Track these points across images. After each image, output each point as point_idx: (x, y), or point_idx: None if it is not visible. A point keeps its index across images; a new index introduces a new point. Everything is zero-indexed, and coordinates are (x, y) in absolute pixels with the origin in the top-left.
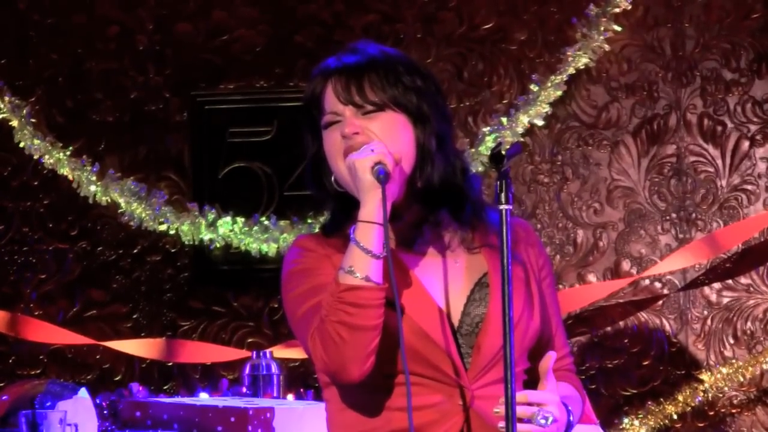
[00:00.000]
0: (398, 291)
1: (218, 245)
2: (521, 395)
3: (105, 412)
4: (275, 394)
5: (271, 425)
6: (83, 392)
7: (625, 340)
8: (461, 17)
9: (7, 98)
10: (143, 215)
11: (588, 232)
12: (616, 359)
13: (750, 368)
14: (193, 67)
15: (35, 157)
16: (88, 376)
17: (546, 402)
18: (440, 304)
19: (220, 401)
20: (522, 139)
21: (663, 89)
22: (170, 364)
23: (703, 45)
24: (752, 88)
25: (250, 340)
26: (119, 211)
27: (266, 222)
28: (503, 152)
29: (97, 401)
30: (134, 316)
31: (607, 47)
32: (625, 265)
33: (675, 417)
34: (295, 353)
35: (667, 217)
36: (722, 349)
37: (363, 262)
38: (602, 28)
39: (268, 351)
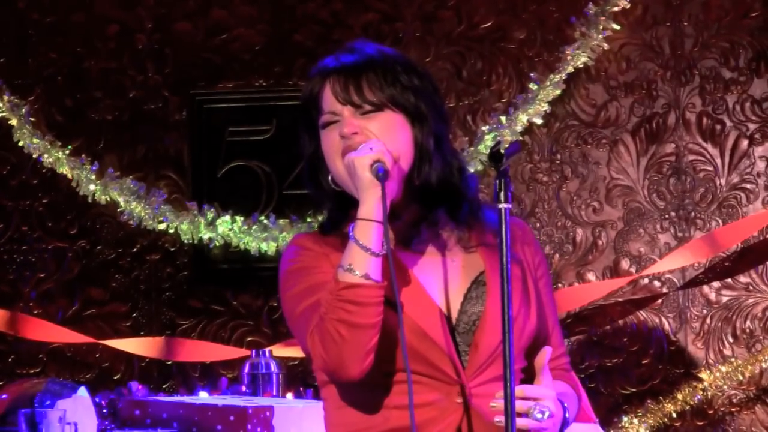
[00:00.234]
0: (397, 289)
1: (217, 244)
2: (518, 390)
3: (104, 410)
4: (274, 393)
5: (271, 424)
6: (82, 391)
7: (625, 339)
8: (460, 16)
9: (6, 97)
10: (142, 214)
11: (587, 230)
12: (615, 358)
13: (749, 367)
14: (193, 66)
15: (34, 156)
16: (88, 374)
17: (542, 397)
18: (438, 302)
19: (220, 400)
20: (521, 138)
21: (662, 88)
22: (169, 362)
23: (702, 44)
24: (751, 87)
25: (249, 338)
26: (118, 209)
27: (265, 221)
28: (502, 151)
29: (97, 400)
30: (133, 315)
31: (606, 46)
32: (625, 263)
33: (674, 415)
34: (295, 352)
35: (666, 216)
36: (721, 348)
37: (362, 259)
38: (601, 27)
39: (267, 350)
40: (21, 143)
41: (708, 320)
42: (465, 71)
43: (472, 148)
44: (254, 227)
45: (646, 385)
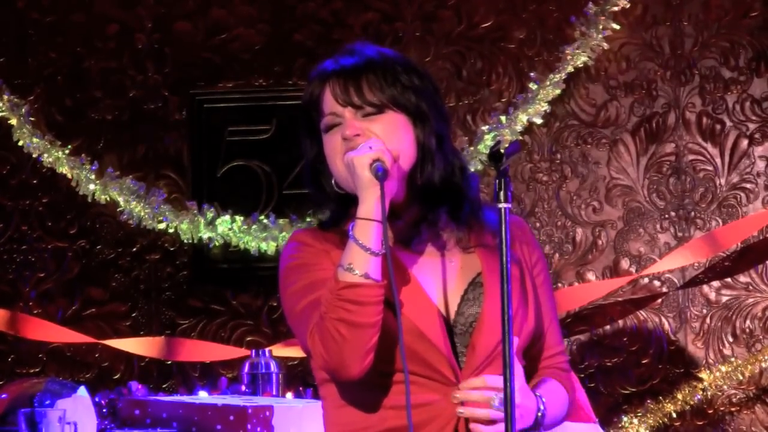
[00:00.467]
0: (396, 290)
1: (217, 244)
2: (479, 380)
3: (104, 410)
4: (274, 393)
5: (270, 423)
6: (82, 391)
7: (625, 339)
8: (460, 16)
9: (6, 97)
10: (142, 214)
11: (587, 230)
12: (615, 358)
13: (749, 366)
14: (192, 66)
15: (34, 155)
16: (87, 374)
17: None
18: (436, 303)
19: (219, 399)
20: (521, 138)
21: (662, 88)
22: (169, 362)
23: (701, 43)
24: (751, 87)
25: (249, 338)
26: (118, 209)
27: (265, 220)
28: (502, 151)
29: (96, 399)
30: (133, 315)
31: (605, 46)
32: (624, 263)
33: (674, 415)
34: (294, 352)
35: (666, 216)
36: (721, 348)
37: (362, 259)
38: (601, 27)
39: (267, 349)
40: (21, 143)
41: (708, 320)
42: (465, 71)
43: (472, 148)
44: (254, 227)
45: (646, 385)
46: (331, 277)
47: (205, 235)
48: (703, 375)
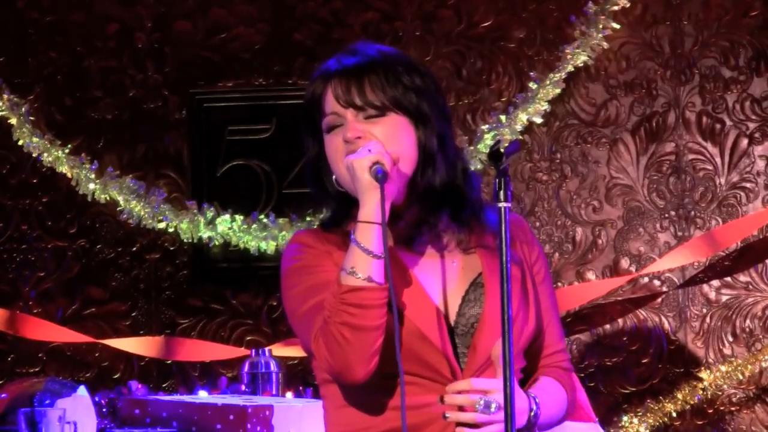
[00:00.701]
0: (397, 291)
1: (217, 243)
2: (465, 383)
3: (104, 410)
4: (274, 392)
5: (270, 423)
6: (82, 390)
7: (624, 338)
8: (460, 15)
9: (5, 96)
10: (142, 213)
11: (587, 229)
12: (615, 357)
13: (749, 366)
14: (192, 65)
15: (34, 155)
16: (87, 374)
17: (491, 389)
18: (438, 304)
19: (219, 399)
20: (521, 137)
21: (662, 87)
22: (169, 362)
23: (701, 43)
24: (751, 86)
25: (249, 338)
26: (118, 209)
27: (265, 220)
28: (502, 150)
29: (96, 399)
30: (133, 314)
31: (605, 45)
32: (624, 262)
33: (674, 415)
34: (294, 351)
35: (666, 215)
36: (721, 347)
37: (364, 262)
38: (601, 26)
39: (267, 349)
40: (21, 142)
41: (708, 319)
42: (465, 70)
43: (472, 147)
44: (254, 226)
45: (645, 385)
46: (334, 281)
47: (205, 234)
48: (703, 374)
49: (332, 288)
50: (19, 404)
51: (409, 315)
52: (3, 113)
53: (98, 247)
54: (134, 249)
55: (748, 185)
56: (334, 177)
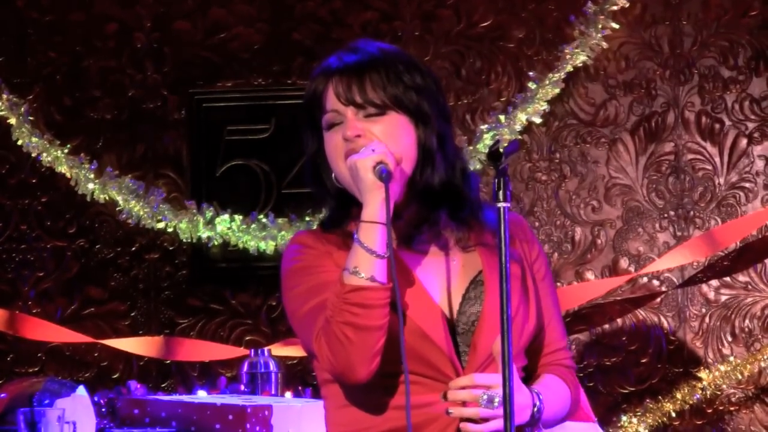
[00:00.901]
0: (399, 291)
1: (216, 243)
2: (467, 378)
3: (103, 409)
4: (273, 392)
5: (269, 423)
6: (81, 390)
7: (623, 338)
8: (459, 15)
9: (5, 96)
10: (141, 213)
11: (586, 229)
12: (614, 357)
13: (748, 366)
14: (191, 65)
15: (33, 154)
16: (87, 373)
17: (494, 384)
18: (438, 302)
19: (219, 399)
20: (520, 137)
21: (661, 87)
22: (168, 361)
23: (701, 43)
24: (750, 86)
25: (248, 337)
26: (117, 208)
27: (264, 220)
28: (501, 150)
29: (96, 399)
30: (132, 314)
31: (605, 45)
32: (623, 262)
33: (673, 415)
34: (294, 351)
35: (665, 215)
36: (720, 347)
37: (367, 262)
38: (600, 26)
39: (266, 349)
40: (20, 142)
41: (707, 319)
42: (464, 70)
43: (471, 147)
44: (253, 226)
45: (645, 384)
46: (337, 281)
47: (204, 234)
48: (702, 374)
49: (335, 288)
50: (19, 404)
51: (410, 314)
52: (2, 113)
53: (97, 247)
54: (133, 249)
55: (747, 185)
56: (333, 175)
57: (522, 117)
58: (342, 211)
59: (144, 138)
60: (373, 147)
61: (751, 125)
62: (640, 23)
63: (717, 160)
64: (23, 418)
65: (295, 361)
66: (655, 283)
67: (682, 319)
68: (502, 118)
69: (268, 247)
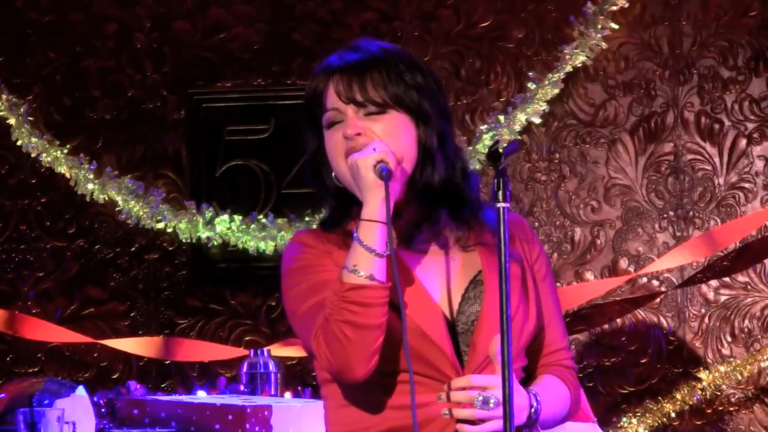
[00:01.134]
0: (399, 290)
1: (216, 243)
2: (464, 379)
3: (103, 410)
4: (273, 392)
5: (269, 423)
6: (81, 390)
7: (623, 338)
8: (459, 15)
9: (4, 96)
10: (141, 213)
11: (585, 230)
12: (613, 357)
13: (748, 366)
14: (191, 65)
15: (33, 155)
16: (86, 374)
17: (490, 385)
18: (438, 302)
19: (218, 399)
20: (519, 137)
21: (660, 87)
22: (168, 362)
23: (700, 43)
24: (749, 86)
25: (247, 338)
26: (117, 209)
27: (264, 220)
28: (501, 150)
29: (95, 399)
30: (132, 314)
31: (604, 45)
32: (623, 263)
33: (673, 415)
34: (293, 351)
35: (665, 215)
36: (720, 347)
37: (367, 260)
38: (600, 26)
39: (265, 349)
40: (19, 142)
41: (706, 319)
42: (463, 70)
43: (471, 148)
44: (252, 226)
45: (644, 385)
46: (336, 279)
47: (204, 234)
48: (702, 375)
49: (334, 286)
50: (18, 404)
51: (410, 313)
52: (2, 113)
53: (97, 247)
54: (133, 249)
55: (746, 185)
56: (333, 173)
57: (521, 117)
58: (342, 210)
59: (143, 138)
60: (374, 146)
61: (750, 125)
62: (640, 23)
63: (716, 160)
64: (23, 419)
65: (294, 362)
66: (655, 283)
67: (682, 320)
68: (501, 118)
69: (268, 247)
